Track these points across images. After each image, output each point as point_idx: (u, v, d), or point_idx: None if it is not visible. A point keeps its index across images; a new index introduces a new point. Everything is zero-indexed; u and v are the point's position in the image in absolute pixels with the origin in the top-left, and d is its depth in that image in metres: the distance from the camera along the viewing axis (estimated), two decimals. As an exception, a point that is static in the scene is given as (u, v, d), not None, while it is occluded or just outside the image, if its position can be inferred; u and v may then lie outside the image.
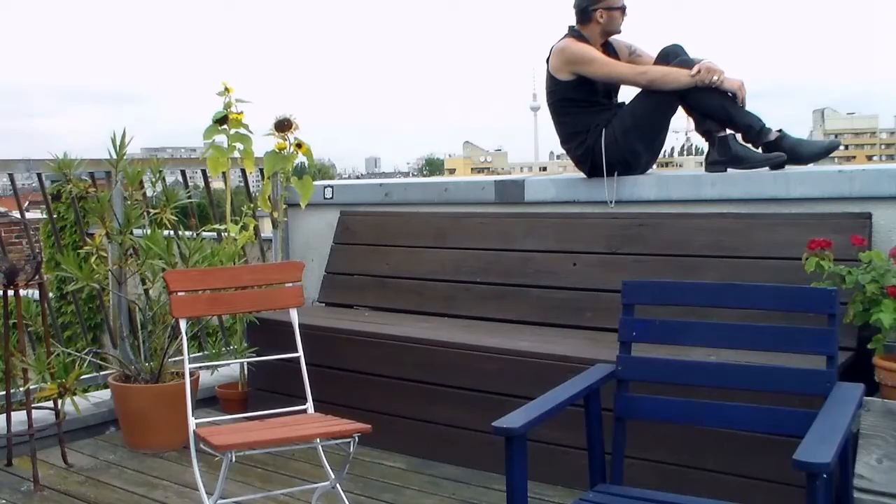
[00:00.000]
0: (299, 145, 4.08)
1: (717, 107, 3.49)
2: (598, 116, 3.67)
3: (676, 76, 3.51)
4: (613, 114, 3.68)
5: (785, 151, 3.40)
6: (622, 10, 3.71)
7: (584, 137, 3.68)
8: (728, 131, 3.53)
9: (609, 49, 3.78)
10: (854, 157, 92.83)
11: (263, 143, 4.10)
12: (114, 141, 3.66)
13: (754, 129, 3.47)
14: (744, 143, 3.51)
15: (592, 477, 2.22)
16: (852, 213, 3.08)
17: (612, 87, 3.76)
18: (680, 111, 3.61)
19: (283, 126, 4.04)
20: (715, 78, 3.44)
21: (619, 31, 3.75)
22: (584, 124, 3.69)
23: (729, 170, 3.49)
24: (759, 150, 3.47)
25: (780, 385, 2.18)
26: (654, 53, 3.71)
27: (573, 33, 3.73)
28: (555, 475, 2.99)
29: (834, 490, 1.81)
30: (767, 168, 3.41)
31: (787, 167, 3.39)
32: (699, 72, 3.45)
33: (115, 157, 3.68)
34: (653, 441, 2.74)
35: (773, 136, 3.45)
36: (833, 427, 1.80)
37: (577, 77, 3.67)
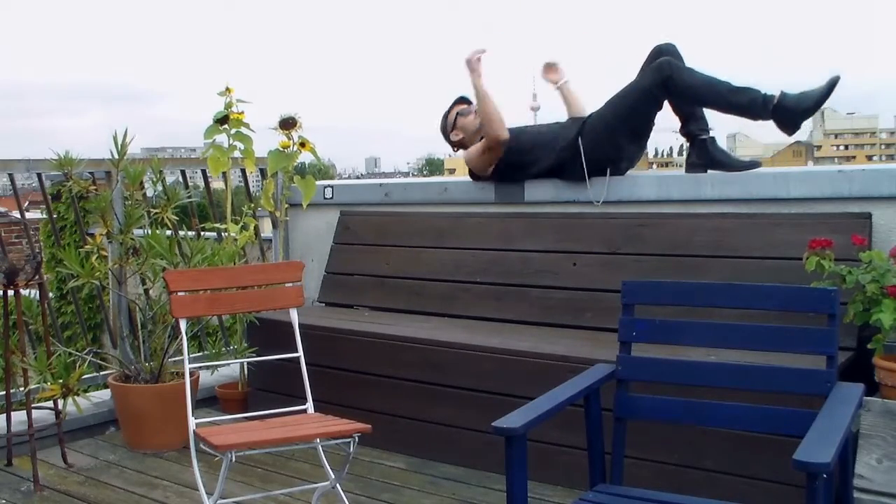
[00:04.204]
0: (303, 144, 4.08)
1: (709, 94, 3.39)
2: (553, 142, 3.77)
3: (478, 96, 3.80)
4: (574, 127, 3.74)
5: (788, 110, 3.27)
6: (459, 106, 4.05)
7: (555, 156, 3.75)
8: (711, 134, 3.51)
9: None
10: (854, 157, 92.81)
11: (264, 143, 4.10)
12: (115, 140, 3.66)
13: (757, 104, 3.31)
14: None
15: (592, 477, 2.22)
16: (852, 213, 3.08)
17: (543, 133, 3.86)
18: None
19: (287, 124, 4.02)
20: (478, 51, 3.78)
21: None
22: (546, 153, 3.78)
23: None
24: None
25: (780, 385, 2.17)
26: (647, 53, 3.68)
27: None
28: (555, 475, 2.99)
29: (834, 490, 1.81)
30: (766, 168, 3.41)
31: (787, 167, 3.39)
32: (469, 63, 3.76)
33: (116, 156, 3.68)
34: (653, 441, 2.74)
35: (776, 101, 3.30)
36: (833, 427, 1.80)
37: (498, 158, 3.84)
